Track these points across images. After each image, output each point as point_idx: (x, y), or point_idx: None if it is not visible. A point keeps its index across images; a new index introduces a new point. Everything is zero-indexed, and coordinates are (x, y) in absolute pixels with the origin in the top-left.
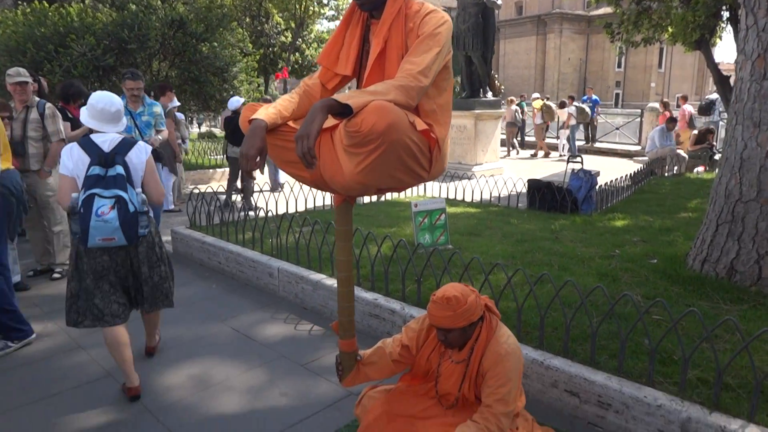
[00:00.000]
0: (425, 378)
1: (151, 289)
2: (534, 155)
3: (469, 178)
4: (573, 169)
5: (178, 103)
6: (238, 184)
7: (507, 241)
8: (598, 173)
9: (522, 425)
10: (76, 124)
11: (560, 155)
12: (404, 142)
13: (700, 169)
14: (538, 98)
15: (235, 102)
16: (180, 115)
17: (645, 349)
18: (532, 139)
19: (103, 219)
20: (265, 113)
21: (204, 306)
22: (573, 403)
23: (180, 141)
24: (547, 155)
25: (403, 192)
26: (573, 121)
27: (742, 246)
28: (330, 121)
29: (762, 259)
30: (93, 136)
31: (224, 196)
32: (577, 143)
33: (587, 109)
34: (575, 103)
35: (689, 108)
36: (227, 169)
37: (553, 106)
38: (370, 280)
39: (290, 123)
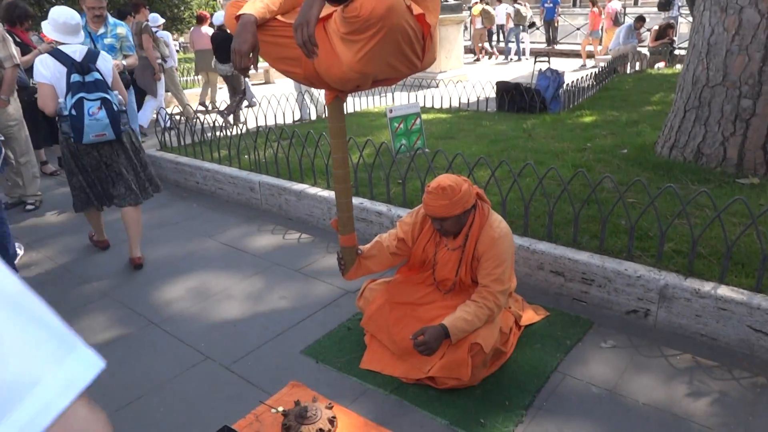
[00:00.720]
0: (422, 267)
1: (137, 176)
2: (477, 60)
3: (436, 86)
4: (540, 69)
5: (161, 21)
6: (206, 102)
7: (482, 142)
8: (563, 73)
9: (513, 304)
10: (25, 49)
11: (509, 58)
12: (402, 27)
13: (661, 64)
14: (477, 3)
15: (220, 16)
16: (164, 35)
17: (623, 229)
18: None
19: (95, 118)
20: (252, 8)
21: (188, 225)
22: (558, 282)
23: (161, 60)
24: (478, 60)
25: (372, 103)
26: (511, 24)
27: (708, 129)
28: (322, 12)
29: (726, 141)
30: (62, 48)
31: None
32: (538, 45)
33: (523, 11)
34: (515, 5)
35: (615, 5)
36: (194, 91)
37: (492, 10)
38: (354, 186)
39: (279, 17)
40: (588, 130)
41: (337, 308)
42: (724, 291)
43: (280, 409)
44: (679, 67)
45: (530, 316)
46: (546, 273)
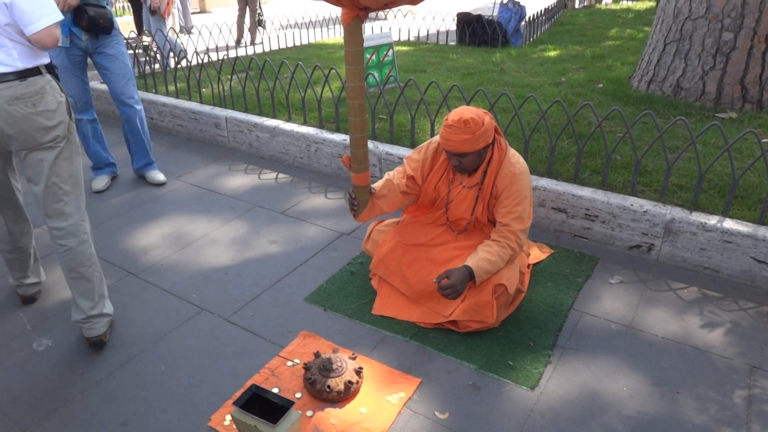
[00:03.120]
0: (432, 207)
1: None
2: None
3: (384, 18)
4: (501, 1)
5: None
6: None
7: (455, 75)
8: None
9: None
10: None
11: None
12: None
13: (609, 0)
14: None
15: None
16: None
17: (619, 164)
18: None
19: None
20: None
21: None
22: (560, 218)
23: None
24: None
25: (324, 34)
26: None
27: (689, 63)
28: None
29: (706, 74)
30: None
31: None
32: None
33: None
34: None
35: None
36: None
37: None
38: (335, 122)
39: None
40: (557, 64)
41: (334, 252)
42: (729, 224)
43: (297, 361)
44: (625, 2)
45: (537, 254)
46: (547, 210)
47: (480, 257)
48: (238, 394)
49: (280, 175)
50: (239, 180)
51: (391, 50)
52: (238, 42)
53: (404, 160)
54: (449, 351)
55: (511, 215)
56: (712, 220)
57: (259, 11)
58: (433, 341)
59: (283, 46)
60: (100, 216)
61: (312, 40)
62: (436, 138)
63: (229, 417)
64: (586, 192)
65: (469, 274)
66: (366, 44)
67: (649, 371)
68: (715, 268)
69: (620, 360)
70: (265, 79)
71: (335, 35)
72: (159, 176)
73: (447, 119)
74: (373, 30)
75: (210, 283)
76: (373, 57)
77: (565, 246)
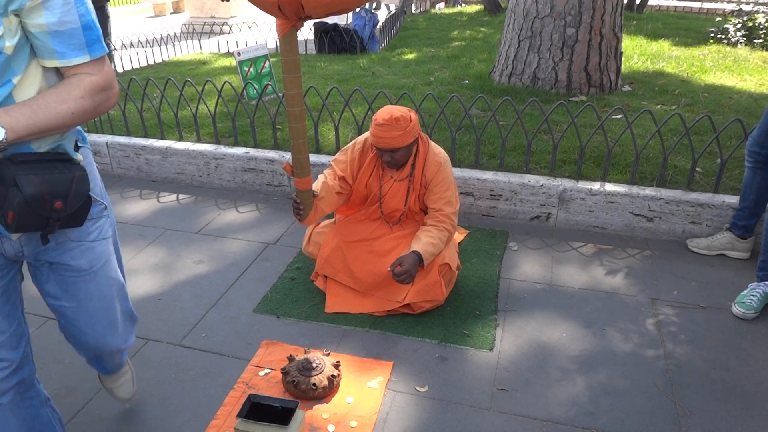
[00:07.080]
0: (363, 204)
1: None
2: None
3: (228, 32)
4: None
5: None
6: None
7: (331, 81)
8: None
9: None
10: None
11: None
12: None
13: (441, 5)
14: None
15: None
16: None
17: (508, 147)
18: None
19: None
20: None
21: None
22: (468, 201)
23: None
24: None
25: (175, 52)
26: None
27: (542, 56)
28: None
29: (557, 65)
30: None
31: None
32: None
33: None
34: None
35: None
36: None
37: None
38: (233, 136)
39: None
40: (420, 65)
41: (267, 262)
42: (609, 187)
43: (269, 369)
44: (457, 7)
45: (456, 236)
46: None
47: (424, 242)
48: (226, 412)
49: (181, 196)
50: (137, 206)
51: (267, 62)
52: None
53: (331, 163)
54: (409, 332)
55: (442, 200)
56: (596, 186)
57: None
58: (391, 327)
59: (136, 66)
60: None
61: (165, 58)
62: (360, 138)
63: None
64: (488, 175)
65: (419, 258)
66: (244, 57)
67: (577, 317)
68: (602, 225)
69: (553, 312)
70: (149, 99)
71: (187, 51)
72: (125, 390)
73: (377, 119)
74: (218, 45)
75: (146, 313)
76: (251, 69)
77: (477, 225)
